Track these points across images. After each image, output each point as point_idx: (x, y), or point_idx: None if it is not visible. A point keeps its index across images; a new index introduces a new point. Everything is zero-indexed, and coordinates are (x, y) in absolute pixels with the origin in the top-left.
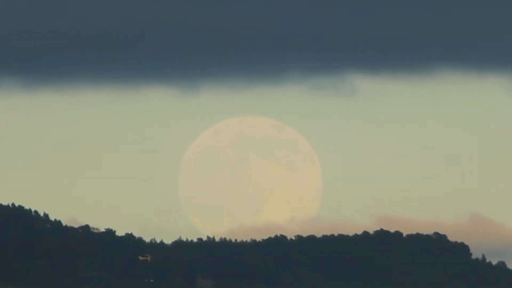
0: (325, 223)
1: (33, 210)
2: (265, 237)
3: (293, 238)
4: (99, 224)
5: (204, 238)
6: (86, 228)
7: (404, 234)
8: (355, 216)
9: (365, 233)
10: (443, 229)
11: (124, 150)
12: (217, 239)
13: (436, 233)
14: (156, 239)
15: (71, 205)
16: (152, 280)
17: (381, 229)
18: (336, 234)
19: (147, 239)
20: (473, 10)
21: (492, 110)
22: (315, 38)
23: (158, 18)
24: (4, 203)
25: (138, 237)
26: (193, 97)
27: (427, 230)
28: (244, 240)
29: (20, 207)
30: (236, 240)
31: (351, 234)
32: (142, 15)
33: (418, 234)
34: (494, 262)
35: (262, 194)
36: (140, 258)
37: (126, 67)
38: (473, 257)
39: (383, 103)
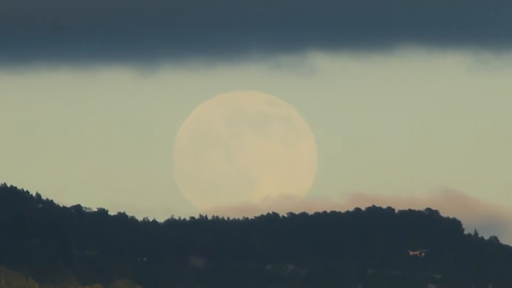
0: (299, 200)
1: (25, 190)
2: (258, 215)
3: (285, 215)
4: (91, 203)
5: (197, 217)
6: (78, 207)
7: (396, 210)
8: (326, 194)
9: (357, 209)
10: (420, 206)
11: (103, 131)
12: (209, 217)
13: (428, 209)
14: (148, 218)
15: (63, 185)
16: (144, 259)
17: (373, 206)
18: (328, 211)
19: (139, 218)
20: None
21: (455, 87)
22: (276, 16)
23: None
24: None
25: (130, 216)
26: (151, 78)
27: (403, 206)
28: (237, 218)
29: (13, 187)
30: (228, 218)
31: (343, 211)
32: None
33: (410, 210)
34: (486, 237)
35: (255, 169)
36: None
37: (83, 49)
38: (466, 232)
39: (344, 82)
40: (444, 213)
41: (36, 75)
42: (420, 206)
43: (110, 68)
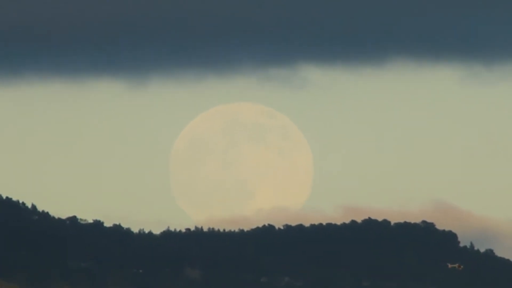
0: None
1: (20, 201)
2: (253, 227)
3: (281, 227)
4: (86, 215)
5: (192, 228)
6: (73, 219)
7: (392, 223)
8: (318, 207)
9: (353, 222)
10: (413, 218)
11: (98, 143)
12: (205, 229)
13: (423, 221)
14: (144, 229)
15: (58, 196)
16: (140, 271)
17: (369, 218)
18: (324, 223)
19: (135, 229)
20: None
21: (447, 100)
22: (266, 29)
23: (105, 11)
24: None
25: (126, 228)
26: (141, 90)
27: (396, 219)
28: (232, 229)
29: (8, 199)
30: (224, 229)
31: (339, 223)
32: (89, 8)
33: (405, 223)
34: (482, 250)
35: (253, 180)
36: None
37: (73, 60)
38: (461, 245)
39: (335, 95)
40: (438, 226)
41: (27, 86)
42: (413, 219)
43: (100, 80)
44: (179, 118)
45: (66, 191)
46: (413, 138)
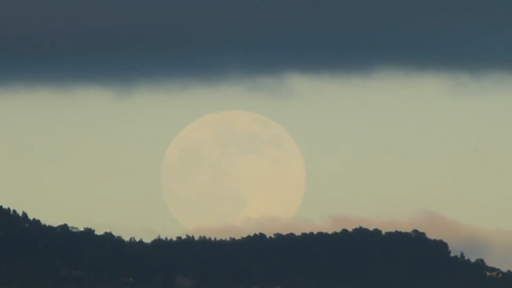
0: (287, 222)
1: (11, 209)
2: (244, 236)
3: (272, 236)
4: (77, 223)
5: (183, 237)
6: (64, 227)
7: (383, 232)
8: (310, 216)
9: (344, 231)
10: (402, 228)
11: (89, 151)
12: (196, 238)
13: (415, 231)
14: (135, 238)
15: (49, 204)
16: (131, 279)
17: (360, 227)
18: (315, 233)
19: (126, 238)
20: (411, 9)
21: (434, 110)
22: (253, 38)
23: (92, 20)
24: None
25: (117, 236)
26: (128, 99)
27: (385, 228)
28: (223, 238)
29: None
30: (215, 238)
31: (330, 232)
32: (77, 17)
33: (397, 232)
34: (472, 260)
35: (245, 189)
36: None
37: (60, 69)
38: (452, 254)
39: (322, 104)
40: (428, 235)
41: (15, 95)
42: (404, 228)
43: (87, 89)
44: (167, 126)
45: (57, 199)
46: (401, 147)
